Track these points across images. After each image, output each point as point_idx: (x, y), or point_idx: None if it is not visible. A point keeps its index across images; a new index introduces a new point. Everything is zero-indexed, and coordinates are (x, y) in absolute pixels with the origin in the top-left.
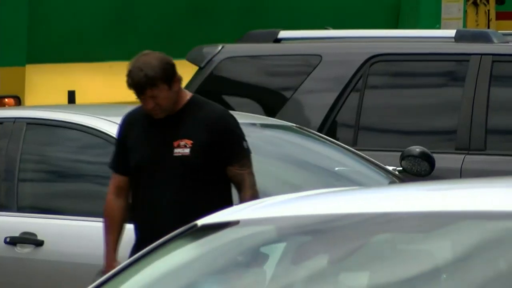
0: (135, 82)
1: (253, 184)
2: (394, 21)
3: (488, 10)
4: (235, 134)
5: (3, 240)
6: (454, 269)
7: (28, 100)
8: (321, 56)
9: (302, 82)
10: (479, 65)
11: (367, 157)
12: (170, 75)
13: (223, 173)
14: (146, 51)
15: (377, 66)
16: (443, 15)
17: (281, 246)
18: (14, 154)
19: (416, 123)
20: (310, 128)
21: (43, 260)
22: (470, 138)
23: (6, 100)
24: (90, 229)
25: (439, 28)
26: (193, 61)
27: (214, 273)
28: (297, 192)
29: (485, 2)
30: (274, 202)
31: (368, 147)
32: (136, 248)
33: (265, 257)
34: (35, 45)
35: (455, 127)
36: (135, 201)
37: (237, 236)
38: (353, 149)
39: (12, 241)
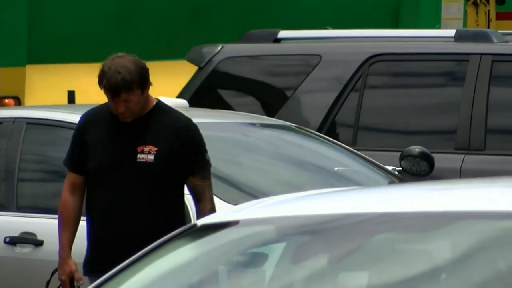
0: (112, 85)
1: (212, 198)
2: (394, 21)
3: (488, 10)
4: (200, 145)
5: (2, 240)
6: (453, 269)
7: (28, 100)
8: (320, 56)
9: (302, 82)
10: (479, 65)
11: (366, 157)
12: (145, 80)
13: (181, 183)
14: (120, 53)
15: (377, 66)
16: (443, 15)
17: (280, 246)
18: (13, 154)
19: (416, 123)
20: (310, 128)
21: (42, 260)
22: (470, 138)
23: (6, 100)
24: None
25: (439, 28)
26: (192, 61)
27: (213, 273)
28: (297, 192)
29: (485, 2)
30: (274, 202)
31: (368, 147)
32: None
33: (264, 257)
34: (35, 46)
35: (455, 127)
36: (91, 202)
37: (237, 236)
38: (352, 149)
39: (12, 241)
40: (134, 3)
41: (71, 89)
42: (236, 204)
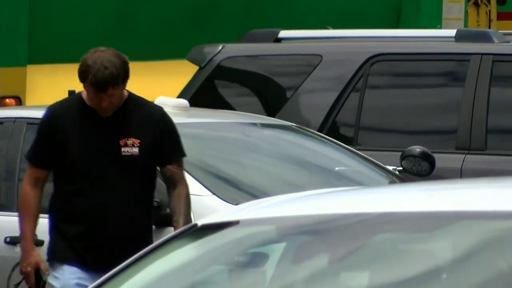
0: (100, 80)
1: (187, 183)
2: (395, 21)
3: (489, 10)
4: (176, 133)
5: (3, 240)
6: (454, 269)
7: (29, 100)
8: (321, 56)
9: (303, 82)
10: (480, 65)
11: (367, 157)
12: (128, 74)
13: (156, 173)
14: (101, 47)
15: (378, 66)
16: (444, 15)
17: (281, 246)
18: (14, 154)
19: (417, 123)
20: (311, 128)
21: (43, 260)
22: (471, 138)
23: (7, 100)
24: None
25: (440, 28)
26: (193, 61)
27: (214, 273)
28: (297, 192)
29: (486, 2)
30: (274, 202)
31: (369, 147)
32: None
33: (265, 257)
34: (36, 46)
35: (456, 127)
36: (65, 196)
37: (237, 236)
38: (353, 149)
39: (13, 241)
40: (135, 3)
41: (71, 89)
42: (236, 204)
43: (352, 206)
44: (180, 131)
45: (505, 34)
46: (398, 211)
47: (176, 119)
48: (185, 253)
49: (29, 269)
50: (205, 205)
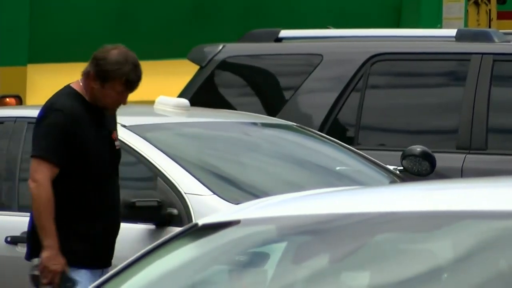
0: (134, 79)
1: None
2: (395, 20)
3: (490, 10)
4: None
5: (4, 239)
6: (455, 269)
7: (29, 99)
8: (322, 56)
9: (303, 82)
10: (480, 64)
11: (368, 156)
12: None
13: None
14: (118, 45)
15: (378, 66)
16: (444, 15)
17: (282, 245)
18: (15, 153)
19: (417, 123)
20: (311, 128)
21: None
22: (471, 138)
23: (8, 99)
24: None
25: (440, 27)
26: (194, 60)
27: (214, 273)
28: (298, 191)
29: (487, 1)
30: (275, 202)
31: (369, 147)
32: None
33: (266, 257)
34: (36, 45)
35: (456, 126)
36: (79, 195)
37: (238, 235)
38: (354, 149)
39: (13, 241)
40: (136, 2)
41: None
42: (237, 204)
43: (352, 206)
44: (181, 130)
45: (505, 34)
46: (399, 211)
47: (176, 119)
48: (185, 253)
49: (59, 267)
50: (206, 205)
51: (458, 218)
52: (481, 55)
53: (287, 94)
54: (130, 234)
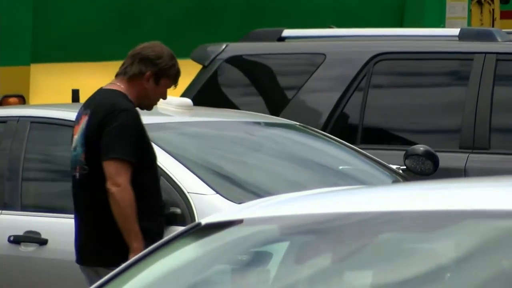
0: (180, 73)
1: None
2: (398, 20)
3: (493, 9)
4: None
5: (7, 238)
6: (458, 268)
7: (32, 99)
8: (325, 55)
9: (306, 81)
10: (483, 63)
11: (371, 155)
12: None
13: None
14: (156, 41)
15: (381, 65)
16: (447, 14)
17: (284, 245)
18: (18, 153)
19: (420, 122)
20: (314, 127)
21: (46, 258)
22: (474, 137)
23: (11, 99)
24: None
25: (443, 27)
26: (197, 60)
27: (217, 272)
28: (301, 191)
29: (490, 1)
30: (278, 201)
31: (372, 146)
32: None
33: (268, 256)
34: (39, 45)
35: (459, 125)
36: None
37: (241, 235)
38: (357, 148)
39: (16, 240)
40: (139, 1)
41: (75, 88)
42: (240, 203)
43: (355, 205)
44: (184, 130)
45: (508, 33)
46: (402, 210)
47: (179, 118)
48: (188, 252)
49: None
50: (209, 204)
51: (460, 218)
52: (484, 54)
53: (290, 94)
54: None
